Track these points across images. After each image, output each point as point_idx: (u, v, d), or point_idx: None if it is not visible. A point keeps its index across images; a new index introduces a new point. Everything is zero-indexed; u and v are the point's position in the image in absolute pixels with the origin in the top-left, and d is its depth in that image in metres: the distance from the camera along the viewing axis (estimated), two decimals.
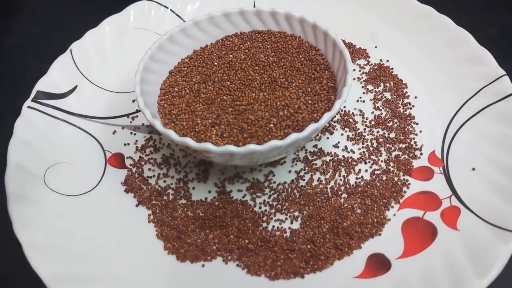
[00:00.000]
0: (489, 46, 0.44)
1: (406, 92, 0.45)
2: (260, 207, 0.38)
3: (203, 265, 0.35)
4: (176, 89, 0.40)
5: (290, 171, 0.40)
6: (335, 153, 0.41)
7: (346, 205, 0.38)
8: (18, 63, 0.55)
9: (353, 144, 0.42)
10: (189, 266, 0.35)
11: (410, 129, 0.42)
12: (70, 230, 0.37)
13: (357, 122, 0.43)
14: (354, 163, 0.40)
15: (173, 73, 0.42)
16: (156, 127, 0.35)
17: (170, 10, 0.53)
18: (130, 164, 0.42)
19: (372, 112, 0.44)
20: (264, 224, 0.37)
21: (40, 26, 0.59)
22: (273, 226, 0.37)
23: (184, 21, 0.51)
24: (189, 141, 0.34)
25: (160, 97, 0.40)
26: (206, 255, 0.36)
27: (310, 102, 0.37)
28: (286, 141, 0.33)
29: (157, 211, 0.38)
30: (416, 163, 0.40)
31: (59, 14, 0.61)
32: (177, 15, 0.53)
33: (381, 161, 0.40)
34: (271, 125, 0.35)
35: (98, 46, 0.49)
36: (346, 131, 0.43)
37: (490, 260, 0.32)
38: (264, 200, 0.39)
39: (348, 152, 0.41)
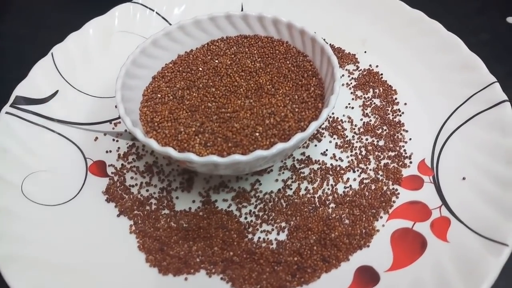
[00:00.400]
0: (481, 51, 0.43)
1: (396, 99, 0.44)
2: (245, 218, 0.37)
3: (186, 279, 0.34)
4: (159, 96, 0.38)
5: (277, 180, 0.39)
6: (323, 161, 0.40)
7: (334, 215, 0.37)
8: (1, 66, 0.53)
9: (342, 152, 0.41)
10: (172, 280, 0.34)
11: (400, 136, 0.41)
12: (48, 242, 0.36)
13: (345, 129, 0.42)
14: (342, 171, 0.39)
15: (156, 79, 0.40)
16: (136, 136, 0.34)
17: (156, 12, 0.52)
18: (112, 172, 0.40)
19: (361, 119, 0.43)
20: (250, 236, 0.36)
21: (26, 28, 0.57)
22: (259, 238, 0.36)
23: (170, 24, 0.50)
24: (171, 151, 0.32)
25: (142, 104, 0.39)
26: (189, 267, 0.34)
27: (297, 110, 0.36)
28: (271, 151, 0.32)
29: (139, 222, 0.37)
30: (405, 172, 0.39)
31: (46, 15, 0.59)
32: (163, 18, 0.52)
33: (370, 170, 0.39)
34: (257, 134, 0.34)
35: (81, 49, 0.48)
36: (334, 138, 0.42)
37: (481, 274, 0.31)
38: (250, 210, 0.37)
39: (336, 160, 0.40)
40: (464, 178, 0.37)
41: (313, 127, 0.33)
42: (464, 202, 0.36)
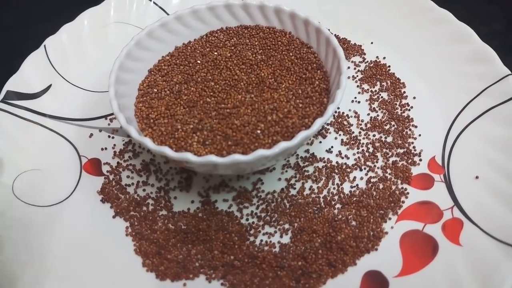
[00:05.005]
0: (492, 42, 0.41)
1: (404, 92, 0.42)
2: (247, 219, 0.35)
3: (184, 284, 0.33)
4: (155, 90, 0.36)
5: (280, 179, 0.37)
6: (328, 158, 0.38)
7: (340, 216, 0.35)
8: None
9: (348, 149, 0.39)
10: (170, 285, 0.33)
11: (409, 132, 0.39)
12: (39, 245, 0.34)
13: (351, 125, 0.40)
14: (348, 170, 0.38)
15: (152, 72, 0.38)
16: (130, 135, 0.32)
17: (153, 2, 0.50)
18: (107, 171, 0.39)
19: (368, 114, 0.41)
20: (252, 238, 0.34)
21: (17, 18, 0.55)
22: (261, 240, 0.34)
23: (168, 14, 0.48)
24: (167, 151, 0.30)
25: (137, 99, 0.37)
26: (188, 272, 0.33)
27: (300, 105, 0.34)
28: (274, 150, 0.30)
29: (136, 223, 0.35)
30: (415, 170, 0.37)
31: (38, 5, 0.57)
32: (160, 8, 0.50)
33: (378, 168, 0.38)
34: (258, 132, 0.32)
35: (75, 41, 0.46)
36: (340, 135, 0.40)
37: (497, 280, 0.29)
38: (252, 211, 0.36)
39: (342, 158, 0.38)
40: (477, 177, 0.35)
41: (318, 124, 0.31)
42: (477, 203, 0.34)
